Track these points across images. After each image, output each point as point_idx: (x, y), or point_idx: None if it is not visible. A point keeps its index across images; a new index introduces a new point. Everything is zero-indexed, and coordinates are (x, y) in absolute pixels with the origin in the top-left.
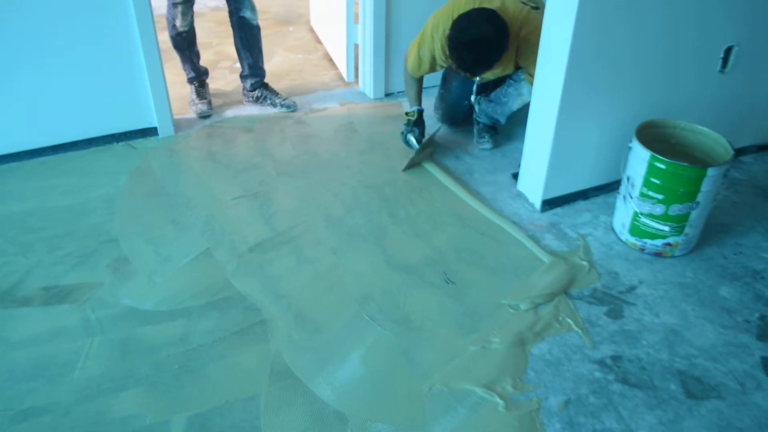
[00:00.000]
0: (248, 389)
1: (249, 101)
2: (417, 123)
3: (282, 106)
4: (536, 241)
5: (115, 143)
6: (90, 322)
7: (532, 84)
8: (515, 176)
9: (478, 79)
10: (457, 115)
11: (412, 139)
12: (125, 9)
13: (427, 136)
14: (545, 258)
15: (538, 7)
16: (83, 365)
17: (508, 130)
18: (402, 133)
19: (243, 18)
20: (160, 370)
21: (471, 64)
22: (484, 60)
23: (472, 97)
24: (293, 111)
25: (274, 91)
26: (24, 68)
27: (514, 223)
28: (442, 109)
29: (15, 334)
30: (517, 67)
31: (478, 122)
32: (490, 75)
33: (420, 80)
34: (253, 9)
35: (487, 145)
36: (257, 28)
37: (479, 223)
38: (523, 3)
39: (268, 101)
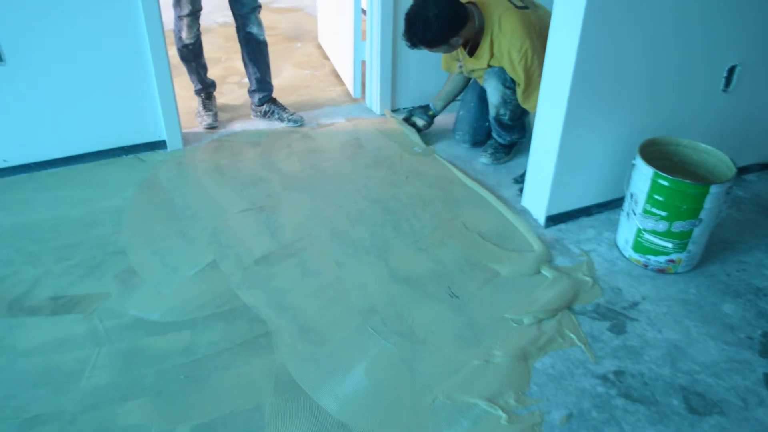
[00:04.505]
0: (252, 400)
1: (257, 116)
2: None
3: (289, 120)
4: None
5: (124, 156)
6: (97, 331)
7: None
8: (520, 191)
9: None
10: (479, 136)
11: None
12: (136, 23)
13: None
14: (549, 273)
15: (527, 7)
16: (90, 374)
17: (517, 148)
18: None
19: (250, 33)
20: (166, 380)
21: (406, 36)
22: (418, 36)
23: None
24: (300, 126)
25: (282, 106)
26: (35, 82)
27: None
28: (463, 131)
29: (23, 343)
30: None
31: (492, 135)
32: (471, 63)
33: (451, 83)
34: (259, 24)
35: (485, 160)
36: (264, 44)
37: (483, 236)
38: (510, 0)
39: (276, 116)
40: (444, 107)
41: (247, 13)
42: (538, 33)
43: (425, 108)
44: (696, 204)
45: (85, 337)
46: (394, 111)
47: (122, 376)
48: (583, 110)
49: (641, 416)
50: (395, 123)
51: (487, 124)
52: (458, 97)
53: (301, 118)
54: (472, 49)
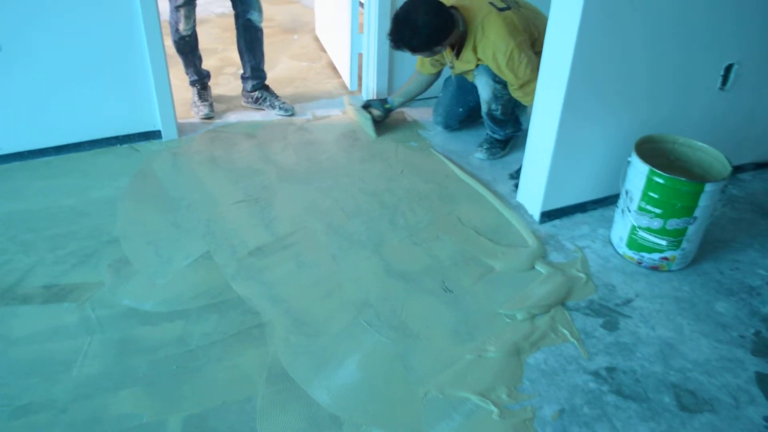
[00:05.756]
0: (245, 391)
1: (248, 102)
2: (376, 104)
3: (281, 108)
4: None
5: (118, 145)
6: (90, 321)
7: (493, 88)
8: (516, 186)
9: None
10: (451, 120)
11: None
12: (133, 13)
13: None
14: (543, 269)
15: (509, 8)
16: (82, 363)
17: (511, 142)
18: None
19: (250, 20)
20: (158, 370)
21: (392, 38)
22: (404, 40)
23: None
24: (291, 115)
25: (274, 93)
26: (31, 70)
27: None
28: (437, 112)
29: (15, 332)
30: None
31: (486, 131)
32: (460, 65)
33: (414, 82)
34: (260, 11)
35: (480, 155)
36: (261, 31)
37: (478, 231)
38: (491, 3)
39: (268, 102)
40: (401, 104)
41: None
42: (521, 31)
43: (383, 101)
44: (691, 202)
45: (77, 326)
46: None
47: (115, 365)
48: (579, 106)
49: (632, 413)
50: (352, 110)
51: (461, 109)
52: (419, 95)
53: (293, 107)
54: (457, 52)
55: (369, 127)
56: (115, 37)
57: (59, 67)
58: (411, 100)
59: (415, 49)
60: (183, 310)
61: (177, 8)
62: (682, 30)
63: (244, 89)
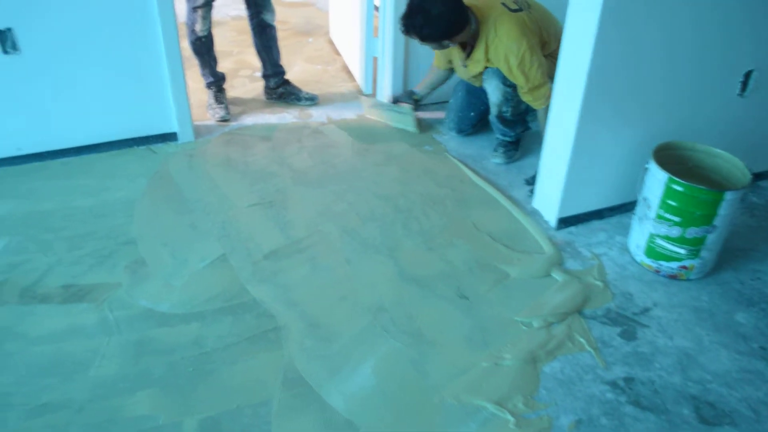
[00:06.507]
0: (260, 395)
1: (273, 98)
2: (404, 98)
3: (306, 99)
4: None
5: (136, 147)
6: (107, 321)
7: (503, 90)
8: (531, 192)
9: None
10: (463, 125)
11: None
12: (150, 15)
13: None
14: (559, 276)
15: (521, 9)
16: (99, 364)
17: (525, 144)
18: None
19: (263, 20)
20: (174, 372)
21: (403, 23)
22: (415, 27)
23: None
24: (316, 102)
25: (296, 86)
26: (50, 72)
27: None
28: (449, 118)
29: (34, 331)
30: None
31: (497, 136)
32: (470, 66)
33: (434, 75)
34: (273, 11)
35: (497, 160)
36: (275, 29)
37: (493, 237)
38: (504, 4)
39: (293, 96)
40: (428, 94)
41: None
42: (533, 33)
43: (410, 93)
44: (710, 210)
45: (95, 327)
46: None
47: (131, 366)
48: (597, 112)
49: (651, 425)
50: (377, 111)
51: (472, 114)
52: (441, 86)
53: (317, 95)
54: (468, 52)
55: (410, 122)
56: (132, 40)
57: (78, 69)
58: (435, 89)
59: (424, 38)
60: (198, 312)
61: (194, 9)
62: (700, 37)
63: (267, 87)
